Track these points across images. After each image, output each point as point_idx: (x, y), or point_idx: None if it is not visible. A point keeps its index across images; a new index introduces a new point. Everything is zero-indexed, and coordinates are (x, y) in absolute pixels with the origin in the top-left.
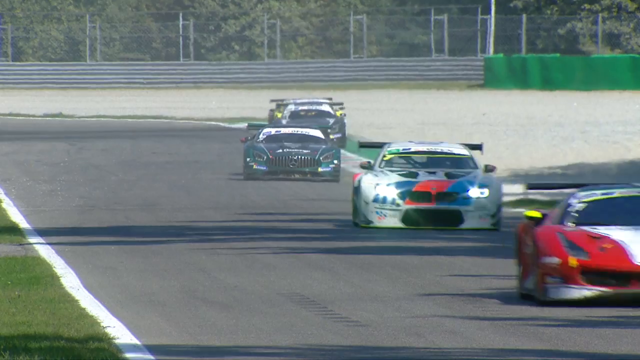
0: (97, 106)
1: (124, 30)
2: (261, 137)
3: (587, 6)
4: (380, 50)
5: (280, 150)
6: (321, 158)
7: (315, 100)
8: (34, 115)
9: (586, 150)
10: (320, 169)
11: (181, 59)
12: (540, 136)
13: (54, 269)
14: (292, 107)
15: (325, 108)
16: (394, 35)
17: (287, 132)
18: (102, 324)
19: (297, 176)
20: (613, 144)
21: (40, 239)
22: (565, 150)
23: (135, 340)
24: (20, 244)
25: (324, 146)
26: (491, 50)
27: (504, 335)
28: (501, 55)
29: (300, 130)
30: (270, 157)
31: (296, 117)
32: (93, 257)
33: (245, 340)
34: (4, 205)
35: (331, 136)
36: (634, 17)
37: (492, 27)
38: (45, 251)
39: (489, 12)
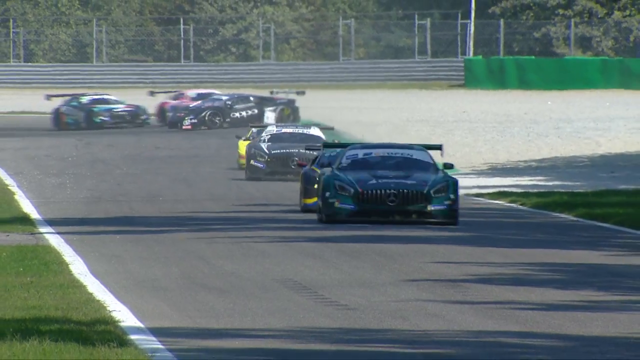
0: None
1: (128, 34)
2: (344, 161)
3: (560, 11)
4: (367, 52)
5: (374, 181)
6: (432, 191)
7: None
8: (44, 113)
9: (559, 145)
10: (430, 207)
11: (182, 60)
12: (517, 132)
13: (63, 256)
14: (273, 129)
15: (315, 132)
16: (380, 38)
17: (378, 153)
18: (108, 308)
19: (397, 218)
20: (584, 139)
21: (50, 229)
22: (540, 145)
23: (139, 323)
24: (32, 233)
25: (434, 175)
26: (471, 52)
27: (483, 317)
28: (480, 57)
29: (396, 152)
30: (360, 190)
31: (277, 141)
32: (99, 245)
33: (242, 323)
34: (16, 197)
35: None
36: (604, 22)
37: (472, 31)
38: (55, 240)
39: (469, 17)
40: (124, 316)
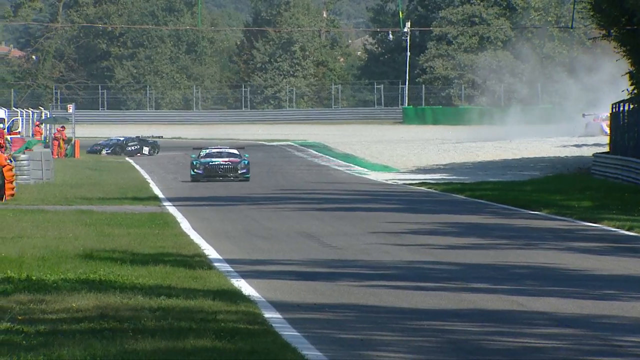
0: (199, 133)
1: (213, 93)
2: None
3: (456, 81)
4: (348, 103)
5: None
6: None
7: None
8: (163, 137)
9: (456, 156)
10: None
11: (243, 108)
12: (431, 149)
13: (176, 218)
14: None
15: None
16: (355, 95)
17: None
18: (201, 247)
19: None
20: (470, 153)
21: (169, 203)
22: (445, 156)
23: (218, 256)
24: (159, 206)
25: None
26: (406, 103)
27: (413, 253)
28: (411, 106)
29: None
30: None
31: None
32: (196, 212)
33: (277, 256)
34: (150, 185)
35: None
36: (480, 87)
37: (407, 92)
38: (172, 209)
39: (405, 83)
40: (210, 252)
